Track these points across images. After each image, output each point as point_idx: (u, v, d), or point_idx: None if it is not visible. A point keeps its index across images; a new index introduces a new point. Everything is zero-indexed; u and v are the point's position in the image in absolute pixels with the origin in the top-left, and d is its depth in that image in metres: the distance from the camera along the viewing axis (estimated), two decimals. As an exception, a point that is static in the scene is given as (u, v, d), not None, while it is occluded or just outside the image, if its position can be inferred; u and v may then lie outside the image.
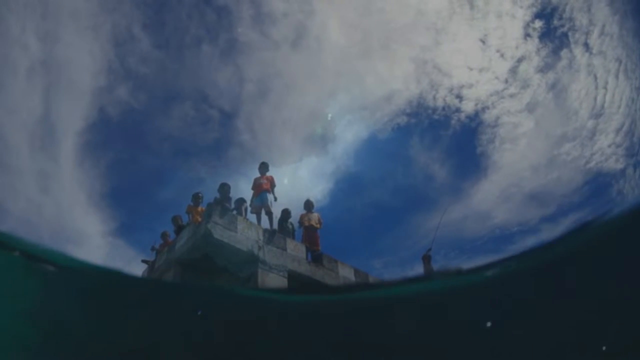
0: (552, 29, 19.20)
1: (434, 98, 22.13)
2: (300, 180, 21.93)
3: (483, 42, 21.33)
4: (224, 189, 7.64)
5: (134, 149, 23.94)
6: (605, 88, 17.55)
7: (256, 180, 7.93)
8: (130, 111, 21.30)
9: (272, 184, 7.88)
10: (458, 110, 21.85)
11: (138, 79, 21.11)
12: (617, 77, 17.09)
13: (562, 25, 18.68)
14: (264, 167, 8.01)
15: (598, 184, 18.64)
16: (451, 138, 23.32)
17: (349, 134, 24.74)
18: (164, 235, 8.61)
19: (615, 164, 17.51)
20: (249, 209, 7.63)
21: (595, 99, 18.01)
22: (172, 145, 24.50)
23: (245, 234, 6.59)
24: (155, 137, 23.83)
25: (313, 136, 22.41)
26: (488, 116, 21.84)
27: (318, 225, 8.02)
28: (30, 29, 17.55)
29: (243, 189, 8.02)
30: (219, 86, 23.75)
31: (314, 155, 24.28)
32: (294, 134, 25.13)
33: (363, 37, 24.08)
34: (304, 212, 8.25)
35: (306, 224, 7.94)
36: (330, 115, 22.64)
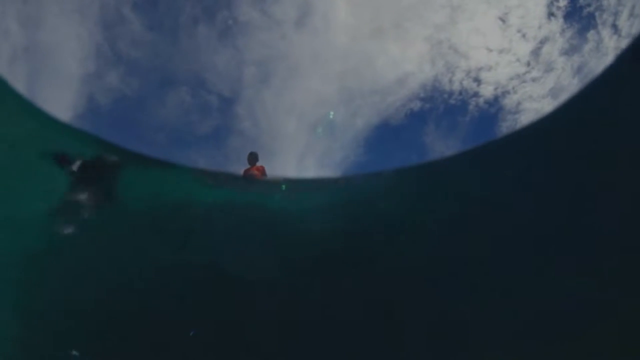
0: (577, 8, 17.68)
1: (450, 81, 20.60)
2: (305, 170, 20.89)
3: (503, 21, 19.75)
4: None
5: (127, 139, 22.95)
6: (634, 74, 16.24)
7: (246, 172, 7.06)
8: (122, 99, 20.20)
9: (264, 175, 7.04)
10: (476, 94, 20.34)
11: (129, 64, 19.93)
12: (646, 62, 15.73)
13: (589, 5, 17.20)
14: (253, 157, 7.12)
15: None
16: (469, 124, 21.93)
17: (359, 121, 23.46)
18: None
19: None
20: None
21: (623, 85, 16.69)
22: (168, 134, 23.53)
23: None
24: (149, 127, 22.83)
25: (314, 137, 21.24)
26: (508, 101, 20.28)
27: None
28: (11, 13, 16.44)
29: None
30: (217, 70, 22.50)
31: (319, 148, 23.26)
32: (299, 120, 23.97)
33: (373, 15, 22.62)
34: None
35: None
36: (332, 113, 21.33)
